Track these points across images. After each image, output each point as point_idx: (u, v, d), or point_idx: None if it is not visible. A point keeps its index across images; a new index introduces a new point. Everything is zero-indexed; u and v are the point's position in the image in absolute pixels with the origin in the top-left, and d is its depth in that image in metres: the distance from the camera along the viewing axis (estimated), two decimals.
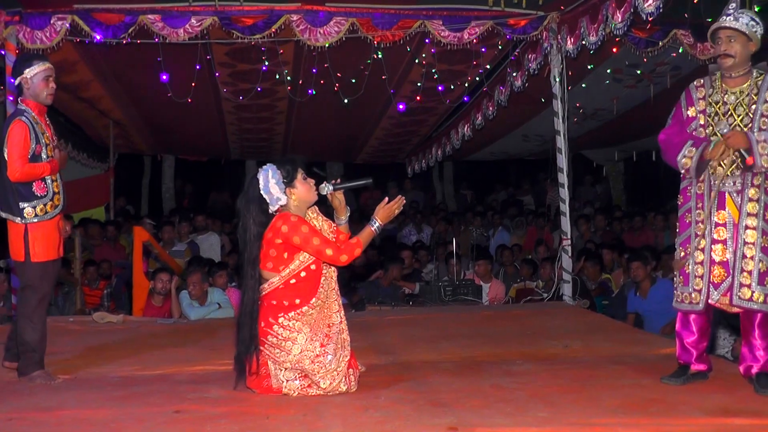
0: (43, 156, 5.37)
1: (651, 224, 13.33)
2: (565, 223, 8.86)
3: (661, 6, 6.72)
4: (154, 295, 8.94)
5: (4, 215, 5.38)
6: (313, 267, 4.80)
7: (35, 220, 5.32)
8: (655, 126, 14.00)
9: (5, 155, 5.26)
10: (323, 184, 5.02)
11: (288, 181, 4.83)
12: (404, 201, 5.02)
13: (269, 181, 4.77)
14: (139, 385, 5.19)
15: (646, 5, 6.78)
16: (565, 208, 8.84)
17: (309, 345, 4.69)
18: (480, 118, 11.74)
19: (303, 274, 4.78)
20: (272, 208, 4.81)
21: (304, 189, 4.89)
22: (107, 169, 14.92)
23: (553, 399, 4.52)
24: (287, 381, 4.74)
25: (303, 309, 4.74)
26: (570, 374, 5.22)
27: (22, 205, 5.30)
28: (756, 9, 7.02)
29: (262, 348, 4.74)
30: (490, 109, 11.15)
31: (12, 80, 7.90)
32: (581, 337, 6.56)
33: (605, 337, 6.68)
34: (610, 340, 6.51)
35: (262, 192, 4.77)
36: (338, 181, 5.13)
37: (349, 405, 4.48)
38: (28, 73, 5.41)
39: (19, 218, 5.31)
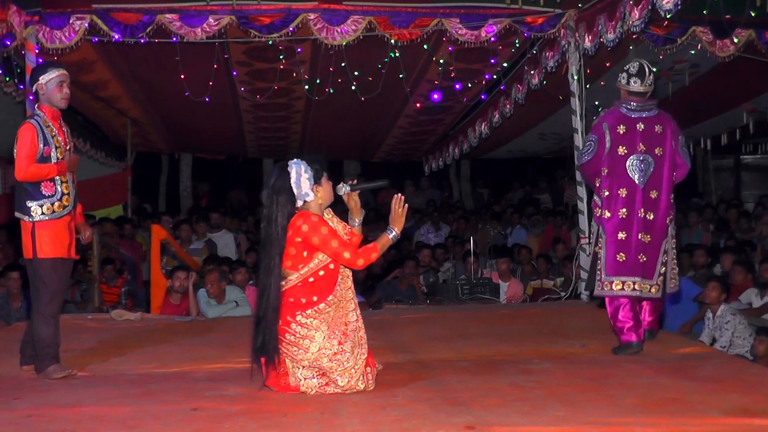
0: (53, 157, 5.49)
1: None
2: (583, 222, 8.81)
3: (679, 3, 6.68)
4: (171, 293, 8.97)
5: (17, 215, 5.51)
6: (331, 266, 4.81)
7: (42, 219, 5.44)
8: None
9: (15, 156, 5.43)
10: (340, 185, 5.02)
11: (317, 179, 4.84)
12: (402, 197, 5.00)
13: (301, 176, 4.78)
14: (156, 382, 5.22)
15: (664, 2, 6.74)
16: (582, 206, 8.79)
17: (327, 343, 4.69)
18: (497, 116, 11.71)
19: (321, 272, 4.79)
20: (299, 203, 4.81)
21: (327, 188, 4.91)
22: (125, 168, 14.98)
23: (571, 398, 4.51)
24: (305, 379, 4.75)
25: (320, 306, 4.75)
26: (587, 373, 5.21)
27: (29, 203, 5.44)
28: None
29: (279, 346, 4.74)
30: (508, 107, 11.13)
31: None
32: (599, 336, 6.53)
33: None
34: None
35: (292, 184, 4.77)
36: (355, 181, 5.12)
37: (367, 403, 4.48)
38: (43, 79, 5.58)
39: (27, 216, 5.45)
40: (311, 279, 4.78)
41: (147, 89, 11.30)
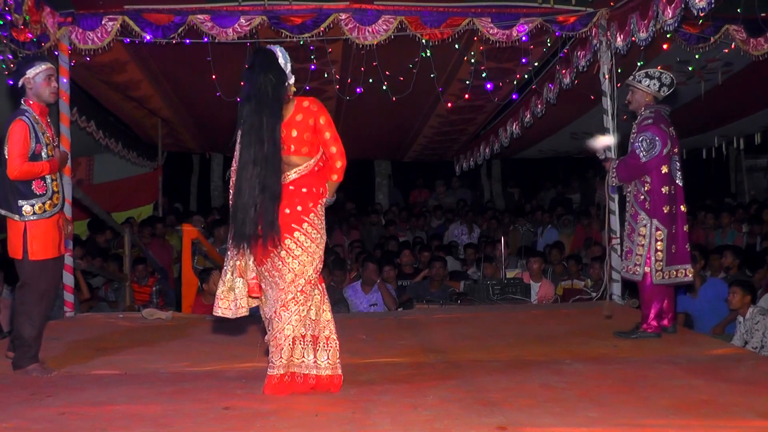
0: (43, 155, 5.46)
1: (701, 223, 13.15)
2: (615, 222, 8.74)
3: (713, 1, 6.62)
4: (202, 293, 9.00)
5: (3, 212, 5.46)
6: None
7: (34, 218, 5.41)
8: (706, 123, 13.86)
9: (5, 154, 5.36)
10: None
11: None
12: None
13: (286, 55, 4.72)
14: (188, 381, 5.25)
15: (697, 1, 6.68)
16: (614, 206, 8.73)
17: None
18: (528, 115, 11.68)
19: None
20: (289, 82, 4.71)
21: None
22: (156, 168, 15.08)
23: (603, 399, 4.49)
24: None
25: (323, 200, 4.77)
26: (619, 374, 5.18)
27: (20, 203, 5.39)
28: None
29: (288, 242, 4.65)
30: (539, 106, 11.10)
31: (64, 80, 8.05)
32: (630, 337, 6.50)
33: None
34: (659, 340, 6.43)
35: (281, 64, 4.66)
36: None
37: (398, 403, 4.48)
38: (30, 73, 5.51)
39: (17, 216, 5.40)
40: (316, 168, 4.74)
41: (178, 89, 11.36)
